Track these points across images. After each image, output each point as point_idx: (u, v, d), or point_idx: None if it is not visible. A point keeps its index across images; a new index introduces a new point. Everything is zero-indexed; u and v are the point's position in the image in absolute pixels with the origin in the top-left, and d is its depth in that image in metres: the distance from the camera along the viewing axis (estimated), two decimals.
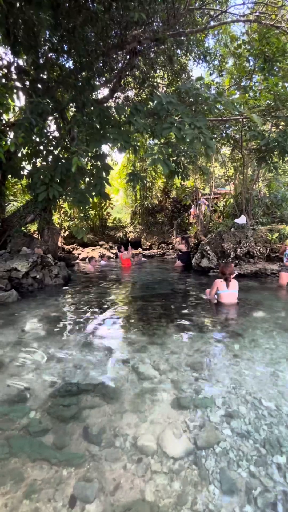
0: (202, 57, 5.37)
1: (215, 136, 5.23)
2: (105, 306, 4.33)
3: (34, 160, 5.52)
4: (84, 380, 2.13)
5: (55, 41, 4.01)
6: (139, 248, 12.87)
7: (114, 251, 12.26)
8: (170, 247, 12.94)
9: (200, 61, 5.56)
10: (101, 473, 1.36)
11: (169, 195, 14.25)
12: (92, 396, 1.92)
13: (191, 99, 3.09)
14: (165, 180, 13.91)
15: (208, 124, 2.82)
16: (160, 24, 4.15)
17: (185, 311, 4.05)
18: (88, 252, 11.62)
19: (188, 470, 1.43)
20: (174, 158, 4.12)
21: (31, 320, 3.46)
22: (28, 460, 1.40)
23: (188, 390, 2.08)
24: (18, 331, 3.09)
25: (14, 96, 4.70)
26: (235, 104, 2.90)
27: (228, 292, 4.03)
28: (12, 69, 4.48)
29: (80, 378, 2.16)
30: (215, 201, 11.17)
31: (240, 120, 5.49)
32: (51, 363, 2.39)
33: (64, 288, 5.37)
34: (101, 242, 12.80)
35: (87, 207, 4.53)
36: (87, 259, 10.86)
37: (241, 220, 7.41)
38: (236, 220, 7.49)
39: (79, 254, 11.45)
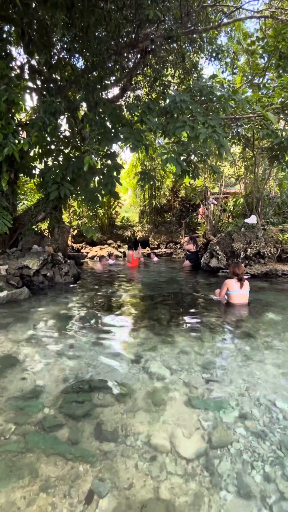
0: (214, 54, 5.30)
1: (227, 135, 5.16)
2: (115, 304, 4.35)
3: (45, 159, 5.59)
4: (96, 377, 2.15)
5: (68, 40, 4.04)
6: (147, 248, 12.86)
7: (122, 250, 12.29)
8: (178, 246, 12.88)
9: (212, 59, 5.49)
10: (115, 472, 1.37)
11: (178, 194, 14.18)
12: (104, 393, 1.93)
13: (203, 98, 3.05)
14: (173, 180, 13.84)
15: (221, 123, 2.78)
16: (173, 22, 4.12)
17: (195, 310, 4.02)
18: (96, 251, 11.69)
19: (202, 471, 1.42)
20: (185, 157, 4.09)
21: (42, 318, 3.50)
22: (43, 455, 1.42)
23: (200, 390, 2.07)
24: (30, 328, 3.13)
25: (27, 96, 4.78)
26: (250, 102, 2.85)
27: (239, 292, 3.98)
28: (25, 69, 4.54)
29: (92, 375, 2.17)
30: (224, 201, 11.04)
31: (252, 118, 5.40)
32: (63, 360, 2.42)
33: (73, 286, 5.42)
34: (109, 241, 12.85)
35: (98, 206, 4.56)
36: (95, 258, 10.94)
37: (252, 220, 7.30)
38: (247, 220, 7.39)
39: (87, 252, 11.53)
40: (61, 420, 1.65)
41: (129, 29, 4.27)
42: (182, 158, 3.13)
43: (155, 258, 10.26)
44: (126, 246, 12.76)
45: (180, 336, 3.02)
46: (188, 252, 8.59)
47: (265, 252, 6.91)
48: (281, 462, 1.47)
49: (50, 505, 1.20)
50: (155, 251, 11.99)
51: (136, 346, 2.76)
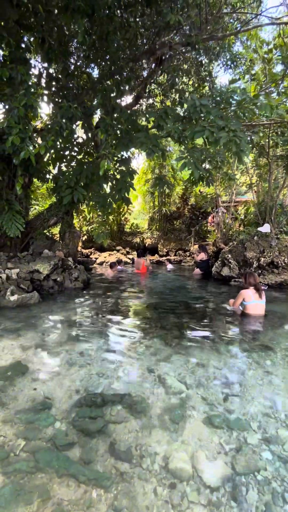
0: (229, 63, 5.30)
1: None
2: (125, 312, 4.24)
3: (58, 164, 5.64)
4: (108, 390, 2.03)
5: (87, 47, 4.11)
6: (156, 255, 12.76)
7: (131, 256, 12.23)
8: (188, 254, 12.73)
9: (227, 67, 5.49)
10: (132, 498, 1.24)
11: (188, 202, 14.12)
12: (118, 408, 1.82)
13: (222, 104, 3.00)
14: (183, 187, 13.82)
15: (242, 128, 2.72)
16: (192, 29, 4.14)
17: (208, 320, 3.87)
18: (105, 257, 11.67)
19: (228, 501, 1.28)
20: (201, 159, 4.00)
21: (52, 324, 3.43)
22: (55, 475, 1.31)
23: (220, 408, 1.93)
24: (39, 334, 3.06)
25: (43, 104, 4.85)
26: (272, 106, 2.78)
27: (256, 303, 3.81)
28: (43, 76, 4.63)
29: (104, 387, 2.06)
30: (235, 209, 10.90)
31: (268, 125, 5.33)
32: (74, 370, 2.32)
33: (83, 292, 5.35)
34: (118, 247, 12.83)
35: (109, 211, 4.52)
36: (104, 264, 10.90)
37: (265, 228, 7.13)
38: (260, 228, 7.22)
39: (96, 258, 11.52)
40: (73, 437, 1.54)
41: (147, 37, 4.31)
42: (197, 158, 3.05)
43: (170, 266, 10.09)
44: (135, 252, 12.72)
45: (194, 347, 2.88)
46: (199, 260, 8.44)
47: (279, 262, 6.70)
48: None
49: None
50: (169, 258, 11.91)
51: (149, 357, 2.64)
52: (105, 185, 4.55)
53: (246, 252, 6.96)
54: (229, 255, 7.10)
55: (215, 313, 4.24)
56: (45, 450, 1.44)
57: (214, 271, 7.32)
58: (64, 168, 5.18)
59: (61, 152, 5.40)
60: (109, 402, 1.85)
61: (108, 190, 4.95)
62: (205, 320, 3.89)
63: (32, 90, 3.46)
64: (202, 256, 8.07)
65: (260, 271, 6.68)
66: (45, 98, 4.95)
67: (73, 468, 1.34)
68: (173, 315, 4.08)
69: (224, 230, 9.81)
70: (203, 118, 2.80)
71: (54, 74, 4.82)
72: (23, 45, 4.00)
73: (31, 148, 3.08)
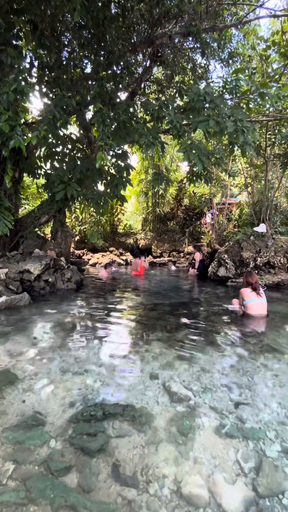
0: (226, 59, 5.22)
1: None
2: (122, 314, 4.04)
3: (50, 161, 5.39)
4: (108, 400, 1.83)
5: (81, 35, 3.91)
6: (150, 256, 12.61)
7: (124, 257, 12.04)
8: (181, 255, 12.64)
9: (224, 65, 5.41)
10: None
11: (181, 202, 14.07)
12: (120, 421, 1.62)
13: (226, 95, 2.88)
14: (177, 187, 13.77)
15: (248, 118, 2.60)
16: (193, 19, 4.02)
17: (209, 322, 3.72)
18: (98, 258, 11.43)
19: None
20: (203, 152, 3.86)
21: (44, 327, 3.19)
22: (49, 508, 1.09)
23: (231, 417, 1.76)
24: (30, 338, 2.82)
25: (34, 99, 4.62)
26: (280, 97, 2.67)
27: (256, 301, 3.69)
28: (35, 65, 4.40)
29: (103, 397, 1.86)
30: (230, 210, 10.90)
31: (265, 123, 5.28)
32: (68, 377, 2.10)
33: (76, 293, 5.11)
34: (111, 248, 12.60)
35: (103, 209, 4.32)
36: (97, 265, 10.64)
37: (261, 228, 7.09)
38: (256, 228, 7.18)
39: (89, 259, 11.26)
40: (70, 458, 1.33)
41: (146, 25, 4.16)
42: (200, 150, 2.90)
43: (173, 267, 10.01)
44: (129, 253, 12.53)
45: (197, 350, 2.71)
46: (193, 261, 8.38)
47: (275, 262, 6.67)
48: None
49: None
50: (172, 259, 11.81)
51: (151, 362, 2.45)
52: (99, 182, 4.35)
53: (243, 252, 6.90)
54: (226, 255, 7.02)
55: (215, 314, 4.10)
56: (37, 476, 1.22)
57: (211, 272, 7.22)
58: (57, 164, 4.95)
59: (54, 149, 5.17)
60: (109, 415, 1.65)
61: (102, 188, 4.76)
62: (206, 322, 3.73)
63: (23, 75, 3.22)
64: (198, 255, 8.00)
65: (257, 271, 6.61)
66: (37, 89, 4.72)
67: (72, 497, 1.14)
68: (172, 317, 3.91)
69: (218, 231, 9.77)
70: (207, 107, 2.66)
71: (47, 64, 4.59)
72: (14, 30, 3.76)
73: (21, 138, 2.85)
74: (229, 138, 2.55)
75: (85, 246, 12.27)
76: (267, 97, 2.70)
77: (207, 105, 2.55)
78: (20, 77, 2.88)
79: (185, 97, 3.16)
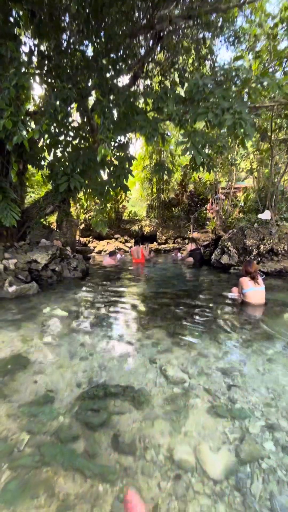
0: (232, 39, 4.98)
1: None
2: (125, 302, 4.23)
3: (53, 150, 5.42)
4: (110, 381, 2.03)
5: (80, 22, 3.81)
6: (155, 242, 12.70)
7: (129, 244, 12.16)
8: (187, 242, 12.67)
9: (230, 44, 5.16)
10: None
11: (186, 188, 13.89)
12: (121, 400, 1.81)
13: (228, 83, 2.82)
14: (182, 173, 13.55)
15: (247, 109, 2.57)
16: (194, 1, 3.83)
17: (209, 310, 3.87)
18: (103, 245, 11.59)
19: (232, 491, 1.29)
20: (203, 143, 3.84)
21: (52, 315, 3.40)
22: (60, 469, 1.31)
23: (222, 398, 1.93)
24: (39, 325, 3.03)
25: (35, 85, 4.58)
26: (280, 86, 2.61)
27: (255, 290, 3.81)
28: (34, 54, 4.33)
29: (106, 379, 2.06)
30: (234, 195, 10.75)
31: (271, 108, 5.11)
32: (75, 361, 2.31)
33: (82, 281, 5.32)
34: (116, 236, 12.72)
35: (107, 199, 4.40)
36: (103, 253, 10.83)
37: (266, 215, 7.05)
38: (260, 215, 7.14)
39: (94, 247, 11.44)
40: (77, 430, 1.54)
41: (145, 10, 4.00)
42: (199, 144, 2.91)
43: (179, 255, 10.04)
44: (134, 240, 12.64)
45: (195, 337, 2.88)
46: (182, 250, 8.64)
47: (279, 249, 6.68)
48: None
49: None
50: (177, 246, 11.88)
51: (151, 347, 2.64)
52: (102, 172, 4.39)
53: (246, 240, 6.92)
54: (229, 243, 7.06)
55: (215, 302, 4.24)
56: (49, 444, 1.44)
57: (214, 259, 7.30)
58: (59, 154, 4.98)
59: (56, 137, 5.17)
60: (111, 394, 1.85)
61: (105, 177, 4.79)
62: (206, 309, 3.88)
63: (24, 69, 3.23)
64: (190, 247, 8.17)
65: (259, 259, 6.66)
66: (37, 78, 4.68)
67: (78, 462, 1.34)
68: (173, 304, 4.07)
69: (223, 217, 9.72)
70: (206, 99, 2.64)
71: (46, 52, 4.52)
72: (11, 20, 3.71)
73: (24, 132, 2.91)
74: (228, 132, 2.54)
75: (90, 234, 12.41)
76: (267, 87, 2.64)
77: (206, 96, 2.53)
78: (21, 71, 2.89)
79: (185, 85, 3.11)
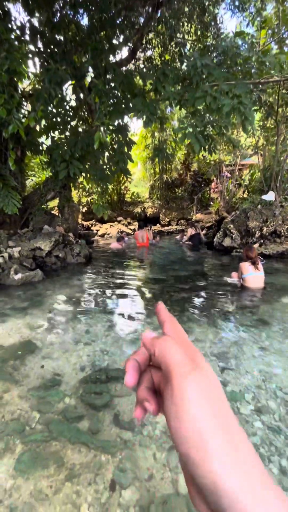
0: (237, 4, 4.55)
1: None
2: (128, 287, 4.36)
3: (51, 133, 5.29)
4: (112, 366, 2.19)
5: None
6: (158, 224, 12.64)
7: (132, 227, 12.15)
8: (186, 224, 12.58)
9: (235, 10, 4.73)
10: (134, 462, 1.42)
11: (190, 168, 13.50)
12: (122, 384, 1.97)
13: (228, 61, 2.66)
14: (185, 152, 13.09)
15: (248, 91, 2.44)
16: None
17: (208, 295, 3.98)
18: (106, 228, 11.61)
19: None
20: (201, 129, 3.74)
21: (57, 301, 3.56)
22: (68, 443, 1.48)
23: None
24: (45, 312, 3.19)
25: (29, 63, 4.37)
26: (282, 65, 2.46)
27: (255, 275, 3.88)
28: (26, 29, 4.10)
29: (109, 364, 2.22)
30: (240, 174, 10.44)
31: (278, 83, 4.81)
32: (80, 346, 2.47)
33: (86, 267, 5.44)
34: (119, 218, 12.67)
35: (107, 184, 4.36)
36: (106, 236, 10.88)
37: (269, 196, 6.91)
38: (264, 197, 7.00)
39: (97, 230, 11.47)
40: (81, 410, 1.71)
41: None
42: (198, 129, 2.83)
43: (185, 238, 10.02)
44: (137, 223, 12.59)
45: (194, 322, 3.01)
46: (184, 235, 8.70)
47: (282, 231, 6.63)
48: None
49: (75, 494, 1.27)
50: (164, 229, 11.78)
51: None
52: (101, 158, 4.31)
53: (249, 222, 6.86)
54: (231, 225, 7.01)
55: (215, 286, 4.34)
56: (57, 422, 1.61)
57: (216, 242, 7.30)
58: (57, 138, 4.87)
59: (54, 119, 5.03)
60: (113, 378, 2.01)
61: (106, 161, 4.71)
62: (205, 294, 3.99)
63: (16, 48, 3.09)
64: (190, 232, 8.20)
65: (262, 241, 6.65)
66: (31, 55, 4.45)
67: (83, 437, 1.52)
68: (174, 290, 4.19)
69: (227, 198, 9.54)
70: (205, 81, 2.52)
71: (38, 27, 4.25)
72: None
73: (19, 121, 2.85)
74: (226, 118, 2.45)
75: (93, 217, 12.38)
76: (269, 66, 2.48)
77: (205, 76, 2.40)
78: (12, 54, 2.76)
79: (184, 64, 2.95)
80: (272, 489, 0.21)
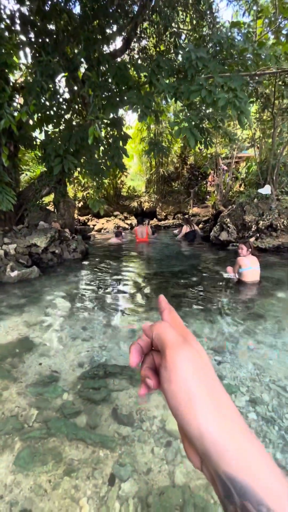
0: None
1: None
2: (124, 283, 4.37)
3: (45, 127, 5.19)
4: (110, 361, 2.21)
5: None
6: (155, 219, 12.59)
7: (129, 221, 12.09)
8: (181, 219, 12.55)
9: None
10: (133, 457, 1.45)
11: (186, 161, 13.38)
12: (119, 379, 2.00)
13: (224, 53, 2.61)
14: (182, 145, 12.95)
15: (243, 84, 2.40)
16: None
17: (205, 289, 4.01)
18: (103, 223, 11.54)
19: None
20: (197, 122, 3.69)
21: (54, 298, 3.56)
22: (66, 439, 1.51)
23: None
24: (42, 309, 3.20)
25: (21, 54, 4.25)
26: (279, 57, 2.42)
27: (252, 269, 3.92)
28: (16, 18, 3.96)
29: (106, 359, 2.24)
30: (237, 167, 10.38)
31: (274, 74, 4.74)
32: (77, 343, 2.49)
33: (82, 263, 5.43)
34: (115, 213, 12.58)
35: (103, 179, 4.31)
36: (103, 230, 10.83)
37: (266, 190, 6.89)
38: (260, 190, 6.98)
39: (94, 225, 11.40)
40: (79, 405, 1.73)
41: None
42: (194, 123, 2.79)
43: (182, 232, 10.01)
44: (134, 217, 12.53)
45: (191, 317, 3.04)
46: (179, 231, 8.71)
47: (278, 225, 6.64)
48: None
49: (74, 488, 1.30)
50: (160, 223, 11.73)
51: None
52: (96, 152, 4.25)
53: (245, 216, 6.86)
54: (228, 219, 7.01)
55: (211, 281, 4.36)
56: (55, 418, 1.63)
57: (213, 236, 7.31)
58: (51, 132, 4.78)
59: (47, 113, 4.92)
60: (111, 374, 2.03)
61: (101, 155, 4.64)
62: (202, 289, 4.02)
63: (5, 39, 2.99)
64: (185, 229, 8.19)
65: (258, 235, 6.67)
66: (22, 46, 4.32)
67: (81, 433, 1.54)
68: (171, 285, 4.21)
69: (224, 191, 9.50)
70: (200, 73, 2.47)
71: (29, 16, 4.12)
72: None
73: (10, 116, 2.79)
74: (222, 112, 2.41)
75: (89, 212, 12.26)
76: (264, 58, 2.44)
77: (200, 69, 2.35)
78: (2, 46, 2.67)
79: (179, 56, 2.89)
80: (247, 433, 0.25)
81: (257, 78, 4.34)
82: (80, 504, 1.22)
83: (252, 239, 6.38)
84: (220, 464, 0.24)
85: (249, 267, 3.94)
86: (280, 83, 5.08)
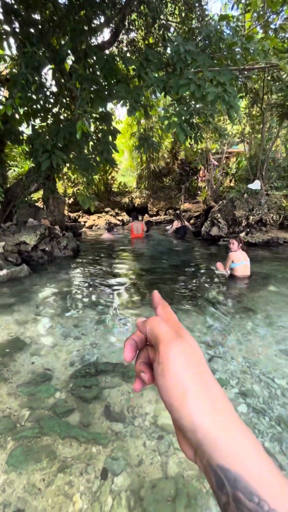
0: None
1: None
2: (116, 280, 4.36)
3: (32, 121, 5.05)
4: (101, 359, 2.21)
5: None
6: (146, 215, 12.56)
7: (120, 217, 12.02)
8: (172, 214, 12.59)
9: None
10: (125, 451, 1.47)
11: (177, 156, 13.36)
12: (112, 376, 2.00)
13: (213, 46, 2.59)
14: (173, 140, 12.91)
15: (232, 79, 2.39)
16: None
17: (197, 285, 4.04)
18: (94, 220, 11.43)
19: None
20: (187, 117, 3.68)
21: (45, 296, 3.52)
22: (58, 438, 1.51)
23: None
24: (33, 307, 3.16)
25: (5, 45, 4.10)
26: (265, 52, 2.42)
27: (244, 263, 3.99)
28: None
29: (98, 357, 2.24)
30: (227, 162, 10.44)
31: (263, 69, 4.75)
32: (69, 341, 2.47)
33: (74, 260, 5.38)
34: (107, 209, 12.48)
35: (93, 175, 4.25)
36: (94, 227, 10.73)
37: (255, 185, 6.98)
38: (250, 186, 7.06)
39: (85, 222, 11.28)
40: (72, 404, 1.73)
41: None
42: (184, 118, 2.77)
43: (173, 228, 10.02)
44: (125, 213, 12.46)
45: (183, 313, 3.06)
46: (170, 226, 8.78)
47: (267, 219, 6.76)
48: (279, 438, 1.57)
49: (67, 484, 1.30)
50: (152, 219, 11.72)
51: None
52: (85, 147, 4.18)
53: (236, 211, 6.94)
54: (218, 215, 7.07)
55: (203, 276, 4.41)
56: (47, 417, 1.62)
57: (204, 231, 7.37)
58: (38, 126, 4.66)
59: (34, 106, 4.79)
60: (102, 371, 2.03)
61: (91, 150, 4.56)
62: (194, 285, 4.06)
63: None
64: (176, 224, 8.28)
65: (248, 230, 6.76)
66: (5, 36, 4.16)
67: (74, 431, 1.54)
68: (164, 280, 4.22)
69: (214, 187, 9.56)
70: (189, 67, 2.45)
71: (13, 4, 3.96)
72: None
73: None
74: (211, 106, 2.41)
75: (80, 208, 12.13)
76: (252, 52, 2.43)
77: (189, 62, 2.33)
78: None
79: (168, 49, 2.85)
80: (240, 425, 0.26)
81: (246, 72, 4.34)
82: (74, 500, 1.23)
83: (242, 234, 6.47)
84: (213, 455, 0.24)
85: (242, 261, 4.01)
86: (269, 78, 5.11)
